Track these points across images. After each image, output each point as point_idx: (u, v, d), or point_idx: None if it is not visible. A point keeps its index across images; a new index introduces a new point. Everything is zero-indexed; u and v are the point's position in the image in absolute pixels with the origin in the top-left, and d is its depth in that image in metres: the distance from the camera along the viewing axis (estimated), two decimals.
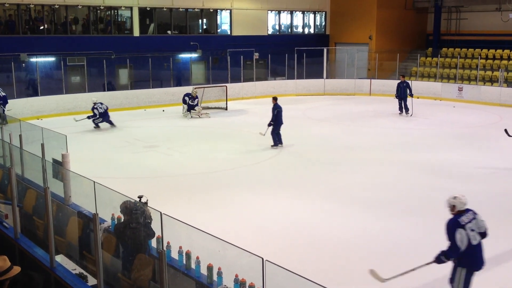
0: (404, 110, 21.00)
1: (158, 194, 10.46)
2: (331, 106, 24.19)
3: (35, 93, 21.67)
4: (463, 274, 5.94)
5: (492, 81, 26.14)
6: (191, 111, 20.81)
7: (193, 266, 6.10)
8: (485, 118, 20.86)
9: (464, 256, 5.92)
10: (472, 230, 5.93)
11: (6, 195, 8.65)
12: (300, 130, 18.11)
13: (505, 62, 27.03)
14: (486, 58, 27.77)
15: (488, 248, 8.23)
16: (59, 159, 9.19)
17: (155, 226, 6.23)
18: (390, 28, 30.62)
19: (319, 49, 29.40)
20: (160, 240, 5.95)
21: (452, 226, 5.98)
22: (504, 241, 8.60)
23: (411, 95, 20.77)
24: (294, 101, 25.38)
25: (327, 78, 29.01)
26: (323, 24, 33.10)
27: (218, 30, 29.54)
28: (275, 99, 15.51)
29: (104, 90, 22.91)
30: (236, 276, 5.50)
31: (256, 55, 27.86)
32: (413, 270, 5.36)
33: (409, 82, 21.38)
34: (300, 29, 32.65)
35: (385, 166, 13.41)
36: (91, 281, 6.26)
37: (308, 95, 27.51)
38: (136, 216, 6.18)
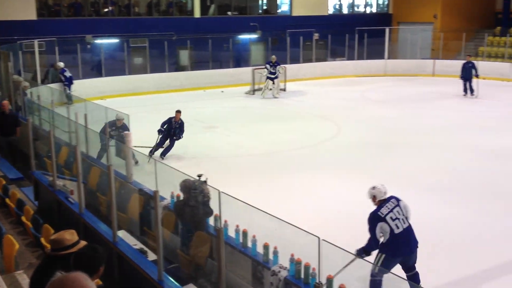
0: (469, 91, 20.26)
1: (217, 174, 10.60)
2: (391, 88, 23.64)
3: (99, 74, 22.35)
4: (382, 259, 5.85)
5: None
6: (270, 86, 20.86)
7: (249, 244, 6.18)
8: None
9: (385, 245, 5.84)
10: (395, 219, 5.81)
11: (72, 172, 9.02)
12: (358, 112, 17.83)
13: None
14: None
15: None
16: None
17: (213, 204, 6.34)
18: (457, 6, 29.42)
19: (381, 28, 28.66)
20: (218, 218, 6.06)
21: (373, 220, 5.92)
22: None
23: (477, 76, 19.98)
24: (353, 83, 24.99)
25: (388, 58, 28.31)
26: (386, 3, 32.22)
27: (278, 11, 29.34)
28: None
29: (165, 71, 23.34)
30: (292, 255, 5.53)
31: (316, 36, 27.49)
32: (345, 266, 5.25)
33: (475, 62, 20.55)
34: (362, 9, 31.94)
35: (448, 150, 13.02)
36: (151, 256, 6.47)
37: (368, 76, 26.95)
38: (195, 195, 6.32)
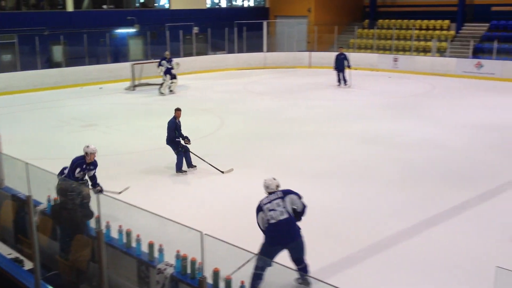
0: (342, 81, 21.37)
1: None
2: (271, 80, 24.29)
3: None
4: (262, 246, 6.20)
5: (425, 51, 26.94)
6: (172, 80, 20.28)
7: (133, 244, 6.06)
8: (419, 87, 21.55)
9: (264, 234, 6.22)
10: (271, 209, 6.14)
11: None
12: (241, 104, 18.12)
13: (437, 32, 27.86)
14: (420, 29, 28.53)
15: (427, 209, 8.66)
16: None
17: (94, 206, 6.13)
18: (328, 1, 30.87)
19: (259, 22, 29.31)
20: (98, 220, 5.86)
21: (256, 210, 6.30)
22: (441, 203, 9.01)
23: (349, 67, 21.13)
24: (235, 75, 25.33)
25: (267, 51, 29.05)
26: None
27: (156, 4, 28.89)
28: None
29: (38, 68, 22.07)
30: (178, 251, 5.50)
31: (195, 29, 27.47)
32: (243, 265, 5.57)
33: (347, 54, 21.71)
34: (240, 2, 32.39)
35: (326, 137, 13.65)
36: (28, 264, 6.11)
37: (249, 69, 27.48)
38: (72, 197, 6.06)
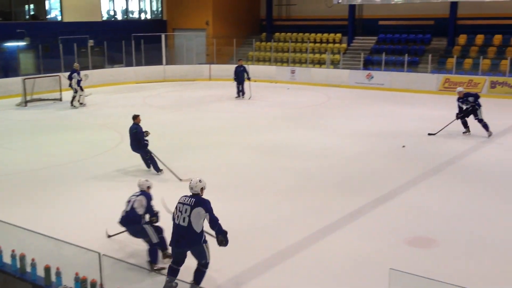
0: (242, 93, 21.71)
1: None
2: (172, 93, 24.16)
3: None
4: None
5: (320, 63, 28.09)
6: (81, 93, 20.10)
7: (28, 269, 5.78)
8: (316, 98, 22.41)
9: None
10: (179, 210, 6.37)
11: None
12: (141, 118, 17.78)
13: (331, 45, 29.17)
14: (315, 42, 29.74)
15: (324, 217, 8.97)
16: None
17: None
18: (226, 14, 31.28)
19: (157, 35, 29.07)
20: None
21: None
22: (337, 210, 9.40)
23: (249, 79, 21.54)
24: (134, 89, 24.90)
25: (166, 64, 28.87)
26: (160, 9, 32.75)
27: (48, 16, 27.76)
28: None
29: None
30: (77, 274, 5.33)
31: (91, 42, 26.70)
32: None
33: (246, 66, 22.12)
34: (136, 15, 31.94)
35: (228, 149, 13.79)
36: None
37: (148, 82, 27.14)
38: None
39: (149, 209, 7.25)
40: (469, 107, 14.77)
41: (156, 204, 7.35)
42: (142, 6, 31.96)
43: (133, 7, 31.64)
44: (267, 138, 14.81)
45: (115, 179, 11.36)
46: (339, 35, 29.60)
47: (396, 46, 27.24)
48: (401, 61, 25.42)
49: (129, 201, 7.30)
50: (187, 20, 31.70)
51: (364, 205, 9.67)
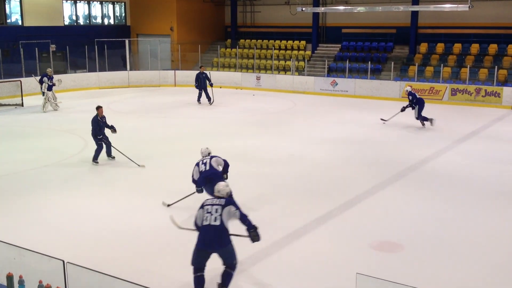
0: (209, 99, 21.63)
1: None
2: (136, 99, 23.90)
3: None
4: (194, 248, 6.51)
5: (285, 70, 28.27)
6: (54, 100, 20.06)
7: None
8: (281, 104, 22.52)
9: (198, 232, 6.53)
10: (208, 212, 6.43)
11: None
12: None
13: (295, 52, 29.41)
14: (280, 48, 29.95)
15: (291, 223, 9.01)
16: None
17: None
18: (190, 20, 31.22)
19: (121, 40, 28.76)
20: None
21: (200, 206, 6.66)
22: (306, 215, 9.44)
23: (211, 85, 21.51)
24: (97, 95, 24.53)
25: (131, 70, 28.57)
26: (123, 15, 32.43)
27: (8, 21, 27.14)
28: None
29: None
30: (40, 282, 5.19)
31: (52, 47, 26.24)
32: None
33: (208, 72, 22.11)
34: (99, 20, 31.53)
35: (195, 155, 13.65)
36: None
37: (112, 88, 26.79)
38: None
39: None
40: (408, 104, 17.25)
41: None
42: (105, 11, 31.58)
43: (96, 12, 31.25)
44: (234, 145, 14.77)
45: (81, 185, 11.14)
46: (303, 42, 29.89)
47: (360, 54, 27.66)
48: (364, 68, 25.84)
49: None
50: (151, 25, 31.50)
51: (331, 210, 9.76)
